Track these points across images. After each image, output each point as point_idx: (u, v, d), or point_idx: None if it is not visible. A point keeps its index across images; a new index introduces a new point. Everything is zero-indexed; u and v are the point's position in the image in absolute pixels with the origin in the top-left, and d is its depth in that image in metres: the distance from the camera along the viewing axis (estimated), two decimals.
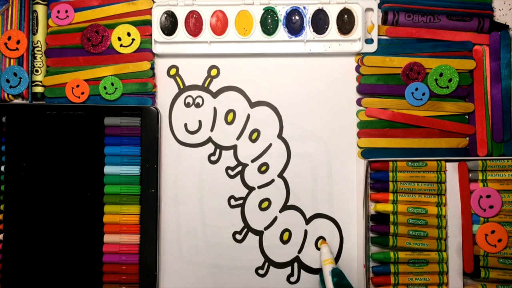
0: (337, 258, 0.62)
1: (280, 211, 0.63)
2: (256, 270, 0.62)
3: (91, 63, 0.62)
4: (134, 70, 0.62)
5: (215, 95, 0.63)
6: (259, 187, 0.63)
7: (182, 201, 0.63)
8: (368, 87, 0.62)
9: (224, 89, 0.63)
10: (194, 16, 0.62)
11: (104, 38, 0.62)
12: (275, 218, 0.63)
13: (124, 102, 0.62)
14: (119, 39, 0.62)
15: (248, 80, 0.63)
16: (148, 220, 0.61)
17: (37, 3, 0.62)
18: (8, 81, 0.62)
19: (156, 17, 0.62)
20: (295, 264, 0.62)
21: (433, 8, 0.61)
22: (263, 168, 0.63)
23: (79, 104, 0.62)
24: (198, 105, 0.63)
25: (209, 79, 0.63)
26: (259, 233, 0.63)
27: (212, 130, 0.63)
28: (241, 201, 0.63)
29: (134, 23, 0.62)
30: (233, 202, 0.63)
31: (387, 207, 0.59)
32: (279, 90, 0.63)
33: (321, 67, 0.63)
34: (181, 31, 0.62)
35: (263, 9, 0.62)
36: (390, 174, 0.59)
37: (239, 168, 0.63)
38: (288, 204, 0.63)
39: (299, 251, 0.62)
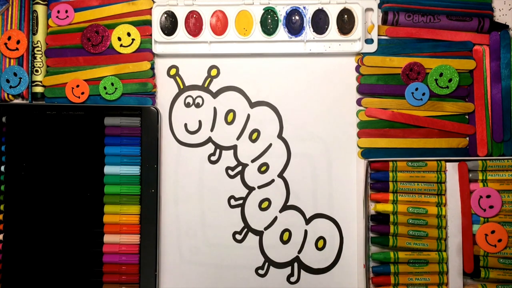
0: (337, 258, 0.62)
1: (280, 211, 0.63)
2: (256, 270, 0.62)
3: (91, 63, 0.62)
4: (134, 70, 0.62)
5: (215, 95, 0.63)
6: (259, 187, 0.63)
7: (182, 201, 0.63)
8: (368, 87, 0.62)
9: (224, 89, 0.63)
10: (194, 16, 0.62)
11: (104, 38, 0.62)
12: (275, 218, 0.63)
13: (124, 102, 0.62)
14: (119, 39, 0.62)
15: (248, 80, 0.63)
16: (148, 220, 0.61)
17: (37, 3, 0.62)
18: (8, 81, 0.62)
19: (156, 17, 0.62)
20: (295, 264, 0.62)
21: (433, 8, 0.61)
22: (263, 168, 0.63)
23: (79, 104, 0.62)
24: (198, 105, 0.63)
25: (209, 79, 0.63)
26: (259, 233, 0.63)
27: (212, 130, 0.63)
28: (241, 201, 0.63)
29: (134, 23, 0.62)
30: (233, 202, 0.63)
31: (387, 207, 0.59)
32: (279, 90, 0.63)
33: (321, 67, 0.63)
34: (181, 31, 0.62)
35: (263, 9, 0.62)
36: (390, 174, 0.59)
37: (239, 168, 0.63)
38: (288, 204, 0.63)
39: (299, 251, 0.62)
